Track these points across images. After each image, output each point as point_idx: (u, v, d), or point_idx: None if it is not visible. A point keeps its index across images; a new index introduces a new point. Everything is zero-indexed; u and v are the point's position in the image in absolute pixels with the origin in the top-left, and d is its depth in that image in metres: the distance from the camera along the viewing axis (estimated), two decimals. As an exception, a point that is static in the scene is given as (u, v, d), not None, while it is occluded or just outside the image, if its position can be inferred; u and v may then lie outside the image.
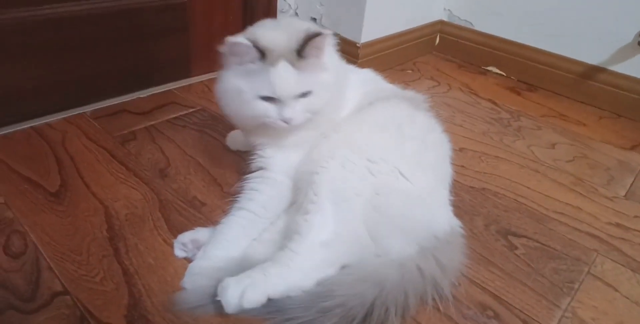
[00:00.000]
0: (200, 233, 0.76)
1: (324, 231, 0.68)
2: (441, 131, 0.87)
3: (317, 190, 0.70)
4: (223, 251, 0.70)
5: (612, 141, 1.28)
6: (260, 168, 0.80)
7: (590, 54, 1.44)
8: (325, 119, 0.77)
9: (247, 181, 0.80)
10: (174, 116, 1.17)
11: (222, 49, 0.72)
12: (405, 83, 1.52)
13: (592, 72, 1.46)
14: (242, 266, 0.68)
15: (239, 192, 0.81)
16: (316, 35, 0.68)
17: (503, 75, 1.66)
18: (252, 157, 0.83)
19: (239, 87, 0.71)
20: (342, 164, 0.71)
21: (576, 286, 0.79)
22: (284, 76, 0.68)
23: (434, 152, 0.81)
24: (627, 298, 0.78)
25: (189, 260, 0.74)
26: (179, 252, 0.75)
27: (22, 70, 1.03)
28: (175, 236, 0.79)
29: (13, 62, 1.01)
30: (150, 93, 1.26)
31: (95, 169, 0.95)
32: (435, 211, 0.75)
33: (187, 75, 1.36)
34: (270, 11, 1.45)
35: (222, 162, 1.01)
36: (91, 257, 0.74)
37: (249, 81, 0.70)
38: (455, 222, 0.78)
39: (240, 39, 0.68)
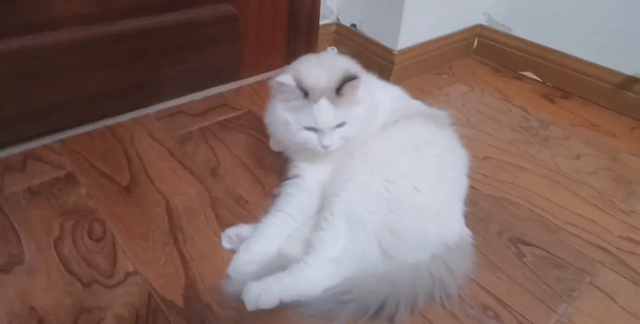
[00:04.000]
0: (243, 229, 0.90)
1: (335, 248, 0.79)
2: (460, 148, 0.96)
3: (333, 210, 0.81)
4: (262, 247, 0.84)
5: (640, 154, 1.31)
6: (296, 176, 0.93)
7: (629, 65, 1.46)
8: (357, 141, 0.88)
9: (284, 186, 0.93)
10: (224, 117, 1.31)
11: (271, 85, 0.84)
12: (440, 88, 1.59)
13: (629, 82, 1.48)
14: (277, 261, 0.82)
15: (278, 194, 0.94)
16: (352, 78, 0.80)
17: (539, 81, 1.69)
18: (290, 165, 0.95)
19: (285, 119, 0.84)
20: (361, 187, 0.82)
21: (575, 294, 0.87)
22: (324, 111, 0.81)
23: (452, 171, 0.90)
24: (624, 309, 0.86)
25: (233, 251, 0.88)
26: (225, 244, 0.89)
27: (102, 76, 1.19)
28: (223, 229, 0.93)
29: (94, 70, 1.17)
30: (204, 95, 1.40)
31: (158, 166, 1.10)
32: (447, 223, 0.85)
33: (237, 78, 1.49)
34: (313, 18, 1.56)
35: (265, 163, 1.14)
36: (156, 244, 0.90)
37: (294, 115, 0.83)
38: (466, 232, 0.88)
39: (286, 79, 0.80)
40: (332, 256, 0.79)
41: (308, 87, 0.80)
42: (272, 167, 1.13)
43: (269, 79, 0.84)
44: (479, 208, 1.05)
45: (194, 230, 0.94)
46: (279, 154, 1.16)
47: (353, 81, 0.80)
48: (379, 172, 0.84)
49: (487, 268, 0.91)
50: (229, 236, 0.89)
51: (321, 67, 0.85)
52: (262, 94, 1.44)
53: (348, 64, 0.87)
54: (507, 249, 0.96)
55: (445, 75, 1.69)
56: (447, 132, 0.96)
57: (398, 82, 1.54)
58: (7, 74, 1.04)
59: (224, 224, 0.95)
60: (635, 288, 0.90)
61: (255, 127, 1.28)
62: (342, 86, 0.80)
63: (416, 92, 1.49)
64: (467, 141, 1.00)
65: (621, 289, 0.89)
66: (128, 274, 0.83)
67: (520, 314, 0.82)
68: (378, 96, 0.92)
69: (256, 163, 1.15)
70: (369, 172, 0.84)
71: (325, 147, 0.83)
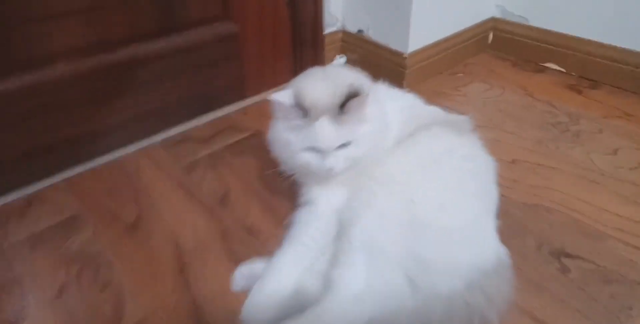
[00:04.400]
0: (256, 265, 0.83)
1: (356, 284, 0.72)
2: (484, 155, 0.87)
3: (351, 241, 0.74)
4: (277, 286, 0.77)
5: (684, 144, 1.20)
6: (308, 202, 0.86)
7: (660, 46, 1.35)
8: (369, 161, 0.81)
9: (297, 214, 0.86)
10: (232, 141, 1.26)
11: (270, 103, 0.78)
12: (457, 88, 1.51)
13: (662, 65, 1.36)
14: (295, 298, 0.75)
15: (290, 223, 0.88)
16: (356, 94, 0.73)
17: (563, 71, 1.58)
18: (302, 192, 0.88)
19: (287, 139, 0.78)
20: (380, 212, 0.75)
21: (635, 313, 0.77)
22: (325, 131, 0.74)
23: (477, 181, 0.82)
24: (691, 325, 0.76)
25: (246, 291, 0.81)
26: (237, 283, 0.83)
27: (105, 108, 1.16)
28: (235, 265, 0.87)
29: (96, 103, 1.14)
30: (210, 119, 1.35)
31: (165, 198, 1.05)
32: (479, 243, 0.76)
33: (242, 97, 1.44)
34: (317, 28, 1.50)
35: (276, 189, 1.08)
36: (165, 288, 0.84)
37: (295, 135, 0.77)
38: (503, 251, 0.79)
39: (282, 97, 0.75)
40: (353, 294, 0.71)
41: (308, 105, 0.74)
42: (285, 193, 1.06)
43: (269, 95, 0.77)
44: (513, 219, 0.96)
45: (205, 269, 0.88)
46: (291, 178, 1.09)
47: (358, 98, 0.73)
48: (398, 194, 0.76)
49: (528, 289, 0.82)
50: (243, 273, 0.83)
51: (324, 81, 0.78)
52: (270, 113, 1.38)
53: (354, 78, 0.80)
54: (548, 264, 0.87)
55: (460, 74, 1.60)
56: (467, 139, 0.88)
57: (411, 86, 1.48)
58: (6, 115, 1.01)
59: (236, 259, 0.89)
60: (701, 300, 0.79)
61: (265, 149, 1.20)
62: (346, 103, 0.74)
63: (431, 95, 1.42)
64: (492, 144, 0.91)
65: (685, 303, 0.79)
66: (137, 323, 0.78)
67: (574, 342, 0.73)
68: (388, 107, 0.85)
69: (267, 189, 1.08)
70: (387, 195, 0.77)
71: (328, 170, 0.77)
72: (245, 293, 0.81)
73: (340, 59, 1.62)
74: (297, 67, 1.51)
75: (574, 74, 1.56)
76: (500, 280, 0.76)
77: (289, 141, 0.78)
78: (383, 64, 1.50)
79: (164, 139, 1.27)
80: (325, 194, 0.86)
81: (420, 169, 0.80)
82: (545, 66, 1.62)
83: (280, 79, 1.49)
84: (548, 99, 1.43)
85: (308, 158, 0.78)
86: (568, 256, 0.88)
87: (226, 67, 1.35)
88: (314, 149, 0.77)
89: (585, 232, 0.94)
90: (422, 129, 0.86)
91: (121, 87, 1.16)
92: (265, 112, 1.38)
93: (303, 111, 0.74)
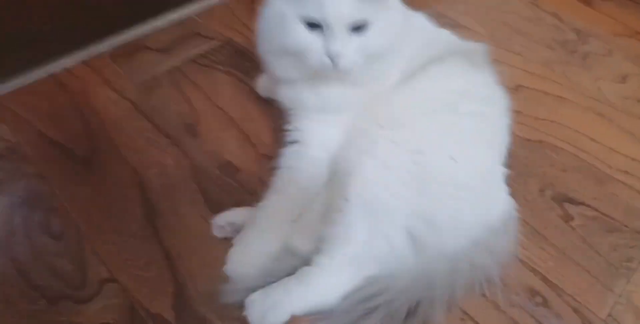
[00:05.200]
0: (236, 214, 0.73)
1: (353, 245, 0.62)
2: (502, 95, 0.75)
3: (348, 195, 0.62)
4: (262, 246, 0.67)
5: (697, 70, 1.10)
6: (296, 142, 0.73)
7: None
8: (379, 74, 0.66)
9: (282, 156, 0.74)
10: (198, 52, 1.05)
11: None
12: (457, -6, 1.30)
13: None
14: (284, 259, 0.66)
15: (275, 167, 0.76)
16: None
17: (573, -23, 1.39)
18: (290, 127, 0.75)
19: (282, 12, 0.59)
20: (383, 163, 0.63)
21: (634, 266, 0.75)
22: None
23: (492, 128, 0.71)
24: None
25: (227, 239, 0.72)
26: (217, 233, 0.73)
27: (31, 11, 0.91)
28: (212, 210, 0.76)
29: (20, 4, 0.88)
30: (169, 20, 1.12)
31: (122, 127, 0.89)
32: (489, 199, 0.68)
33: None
34: None
35: (254, 115, 0.93)
36: (132, 238, 0.73)
37: (295, 4, 0.58)
38: (510, 205, 0.72)
39: None
40: (350, 256, 0.63)
41: None
42: (264, 120, 0.92)
43: None
44: (516, 158, 0.87)
45: (177, 215, 0.76)
46: (270, 102, 0.94)
47: None
48: (405, 142, 0.64)
49: (531, 239, 0.77)
50: (220, 225, 0.72)
51: None
52: (242, 14, 1.16)
53: None
54: (551, 210, 0.82)
55: (462, -25, 1.37)
56: (484, 76, 0.74)
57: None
58: None
59: (213, 203, 0.78)
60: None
61: (238, 64, 1.03)
62: None
63: (429, 1, 1.23)
64: (495, 67, 0.80)
65: (684, 254, 0.77)
66: (103, 282, 0.68)
67: (573, 298, 0.71)
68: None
69: (243, 114, 0.93)
70: (392, 142, 0.64)
71: (333, 57, 0.59)
72: (224, 243, 0.71)
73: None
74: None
75: (585, -20, 1.37)
76: (507, 238, 0.70)
77: (284, 12, 0.59)
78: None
79: (115, 48, 1.05)
80: (317, 132, 0.73)
81: (432, 112, 0.67)
82: (554, -31, 1.41)
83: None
84: (555, 11, 1.27)
85: (307, 39, 0.59)
86: (572, 201, 0.83)
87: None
88: (317, 27, 0.59)
89: (590, 174, 0.87)
90: (435, 61, 0.71)
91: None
92: (237, 14, 1.17)
93: None
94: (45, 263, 0.70)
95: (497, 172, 0.72)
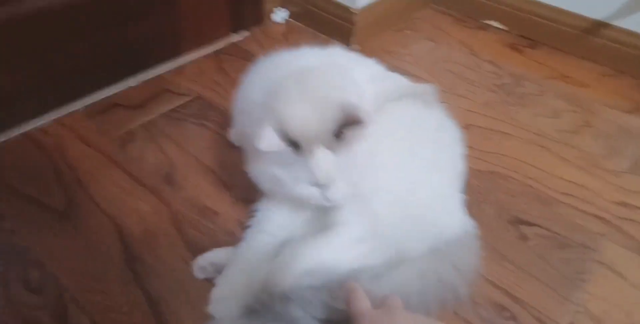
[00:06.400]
0: (218, 255, 0.76)
1: (358, 227, 0.70)
2: (453, 127, 0.85)
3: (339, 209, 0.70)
4: (245, 278, 0.70)
5: (614, 104, 1.25)
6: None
7: (594, 8, 1.38)
8: None
9: (260, 200, 0.79)
10: (170, 108, 1.12)
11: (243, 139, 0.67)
12: (404, 47, 1.45)
13: (595, 27, 1.40)
14: (267, 287, 0.69)
15: (251, 198, 0.80)
16: (355, 121, 0.60)
17: (503, 29, 1.58)
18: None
19: (276, 176, 0.65)
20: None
21: (585, 277, 0.82)
22: (324, 165, 0.62)
23: (447, 154, 0.80)
24: (635, 287, 0.81)
25: (210, 280, 0.75)
26: (199, 274, 0.75)
27: (11, 69, 0.96)
28: (193, 253, 0.79)
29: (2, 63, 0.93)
30: (140, 80, 1.18)
31: (98, 180, 0.92)
32: (447, 216, 0.75)
33: (177, 54, 1.27)
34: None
35: (229, 162, 0.98)
36: (113, 285, 0.74)
37: (287, 171, 0.64)
38: (470, 224, 0.79)
39: (270, 142, 0.59)
40: (357, 236, 0.69)
41: (296, 138, 0.61)
42: (237, 166, 0.97)
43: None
44: (471, 188, 0.95)
45: (158, 260, 0.79)
46: (243, 149, 1.00)
47: (357, 126, 0.61)
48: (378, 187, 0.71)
49: (492, 258, 0.83)
50: (202, 266, 0.75)
51: (306, 102, 0.63)
52: (209, 71, 1.24)
53: (341, 86, 0.67)
54: (507, 232, 0.89)
55: (408, 31, 1.54)
56: (438, 111, 0.84)
57: (360, 43, 1.40)
58: None
59: (193, 246, 0.81)
60: (639, 259, 0.86)
61: (209, 116, 1.10)
62: (342, 132, 0.62)
63: (381, 54, 1.36)
64: (446, 108, 0.89)
65: (628, 263, 0.85)
66: (86, 331, 0.68)
67: (537, 310, 0.76)
68: (357, 76, 0.77)
69: (217, 162, 0.98)
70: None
71: (332, 202, 0.67)
72: (206, 284, 0.74)
73: (280, 13, 1.47)
74: (236, 18, 1.36)
75: (514, 32, 1.56)
76: (469, 254, 0.76)
77: (278, 177, 0.65)
78: (327, 19, 1.39)
79: (87, 106, 1.10)
80: None
81: (392, 141, 0.75)
82: (487, 23, 1.60)
83: (219, 32, 1.34)
84: (492, 59, 1.43)
85: (307, 194, 0.66)
86: (525, 223, 0.91)
87: (156, 15, 1.17)
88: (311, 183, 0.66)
89: (538, 198, 0.97)
90: (392, 103, 0.79)
91: (28, 44, 0.96)
92: (205, 71, 1.26)
93: (292, 146, 0.61)
94: (25, 317, 0.70)
95: (456, 196, 0.79)
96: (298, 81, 0.66)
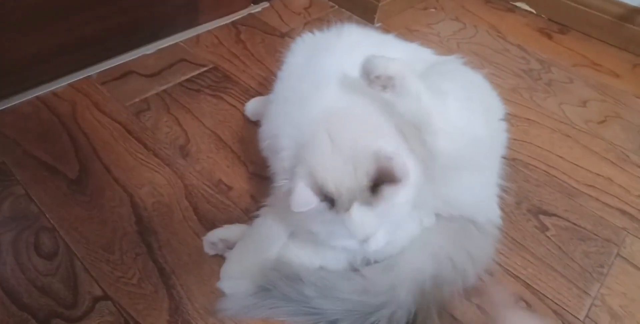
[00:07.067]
0: (229, 231, 0.74)
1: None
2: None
3: None
4: (257, 256, 0.69)
5: (647, 95, 1.21)
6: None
7: (632, -6, 1.31)
8: None
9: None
10: (186, 77, 1.09)
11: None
12: (429, 26, 1.40)
13: (632, 14, 1.33)
14: (278, 267, 0.68)
15: (265, 174, 0.78)
16: (390, 179, 0.54)
17: (533, 13, 1.52)
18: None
19: (312, 230, 0.61)
20: None
21: (605, 271, 0.80)
22: (361, 222, 0.56)
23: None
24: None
25: (223, 256, 0.73)
26: (209, 250, 0.74)
27: (20, 36, 0.93)
28: (205, 227, 0.77)
29: (9, 30, 0.90)
30: (156, 48, 1.15)
31: (112, 148, 0.90)
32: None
33: (195, 23, 1.23)
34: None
35: (244, 136, 0.96)
36: (124, 255, 0.73)
37: (322, 226, 0.60)
38: (496, 214, 0.77)
39: (306, 200, 0.54)
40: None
41: (331, 195, 0.56)
42: (253, 140, 0.95)
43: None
44: (492, 175, 0.94)
45: (170, 233, 0.77)
46: (259, 124, 0.97)
47: (393, 185, 0.55)
48: None
49: (511, 247, 0.81)
50: (212, 241, 0.73)
51: (336, 154, 0.58)
52: (227, 42, 1.21)
53: (372, 136, 0.60)
54: (527, 221, 0.87)
55: (433, 10, 1.48)
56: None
57: (384, 21, 1.35)
58: None
59: (206, 220, 0.79)
60: (663, 256, 0.83)
61: (225, 88, 1.07)
62: (377, 187, 0.56)
63: (405, 32, 1.31)
64: None
65: (650, 259, 0.83)
66: (96, 300, 0.68)
67: (553, 301, 0.74)
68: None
69: (233, 136, 0.96)
70: None
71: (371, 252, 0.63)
72: (219, 259, 0.72)
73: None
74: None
75: (543, 16, 1.50)
76: (486, 243, 0.75)
77: (314, 231, 0.61)
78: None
79: (102, 72, 1.07)
80: None
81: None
82: (515, 5, 1.54)
83: (237, 2, 1.30)
84: (520, 43, 1.37)
85: (344, 246, 0.62)
86: (546, 213, 0.88)
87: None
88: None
89: (560, 188, 0.94)
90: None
91: (50, 8, 0.93)
92: (223, 42, 1.22)
93: (328, 202, 0.57)
94: (35, 282, 0.69)
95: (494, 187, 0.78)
96: (328, 130, 0.60)
